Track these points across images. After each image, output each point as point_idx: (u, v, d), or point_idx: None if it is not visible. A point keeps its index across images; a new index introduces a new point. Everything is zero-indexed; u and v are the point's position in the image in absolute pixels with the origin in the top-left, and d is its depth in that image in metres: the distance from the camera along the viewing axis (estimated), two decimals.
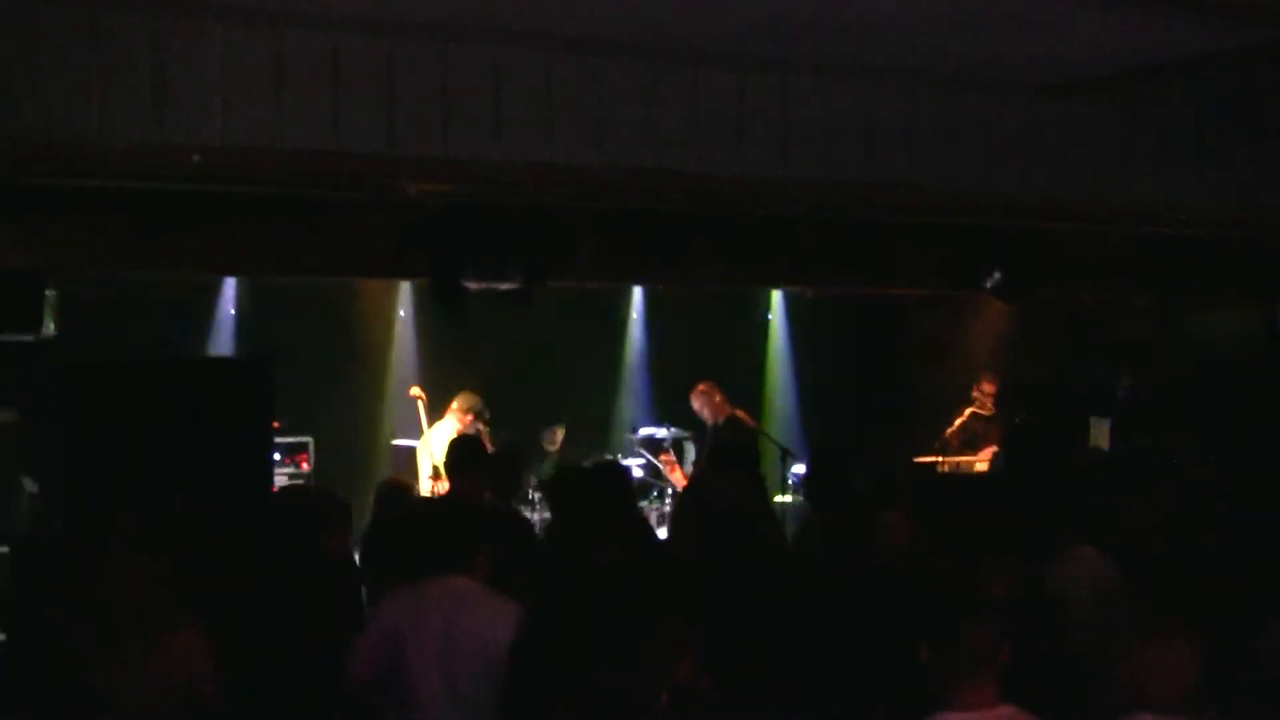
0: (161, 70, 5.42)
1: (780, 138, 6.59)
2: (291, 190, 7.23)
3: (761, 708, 4.57)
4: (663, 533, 8.44)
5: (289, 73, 5.62)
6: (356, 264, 9.25)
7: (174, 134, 5.48)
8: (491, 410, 10.28)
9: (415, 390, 10.44)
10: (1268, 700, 4.40)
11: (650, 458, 10.98)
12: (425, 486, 9.69)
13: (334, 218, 8.20)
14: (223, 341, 10.88)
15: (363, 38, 5.73)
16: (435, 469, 9.52)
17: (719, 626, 4.64)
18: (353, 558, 6.19)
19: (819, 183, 6.85)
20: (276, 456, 9.85)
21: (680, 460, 10.87)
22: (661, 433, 11.29)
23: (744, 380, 11.08)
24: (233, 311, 10.95)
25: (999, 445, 10.81)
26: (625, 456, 10.92)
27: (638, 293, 12.47)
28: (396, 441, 10.84)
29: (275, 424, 9.62)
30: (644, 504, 9.99)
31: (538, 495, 9.95)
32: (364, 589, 6.07)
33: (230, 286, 10.90)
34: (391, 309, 11.61)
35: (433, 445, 9.80)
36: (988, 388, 11.46)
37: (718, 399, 10.11)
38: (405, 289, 11.47)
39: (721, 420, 10.04)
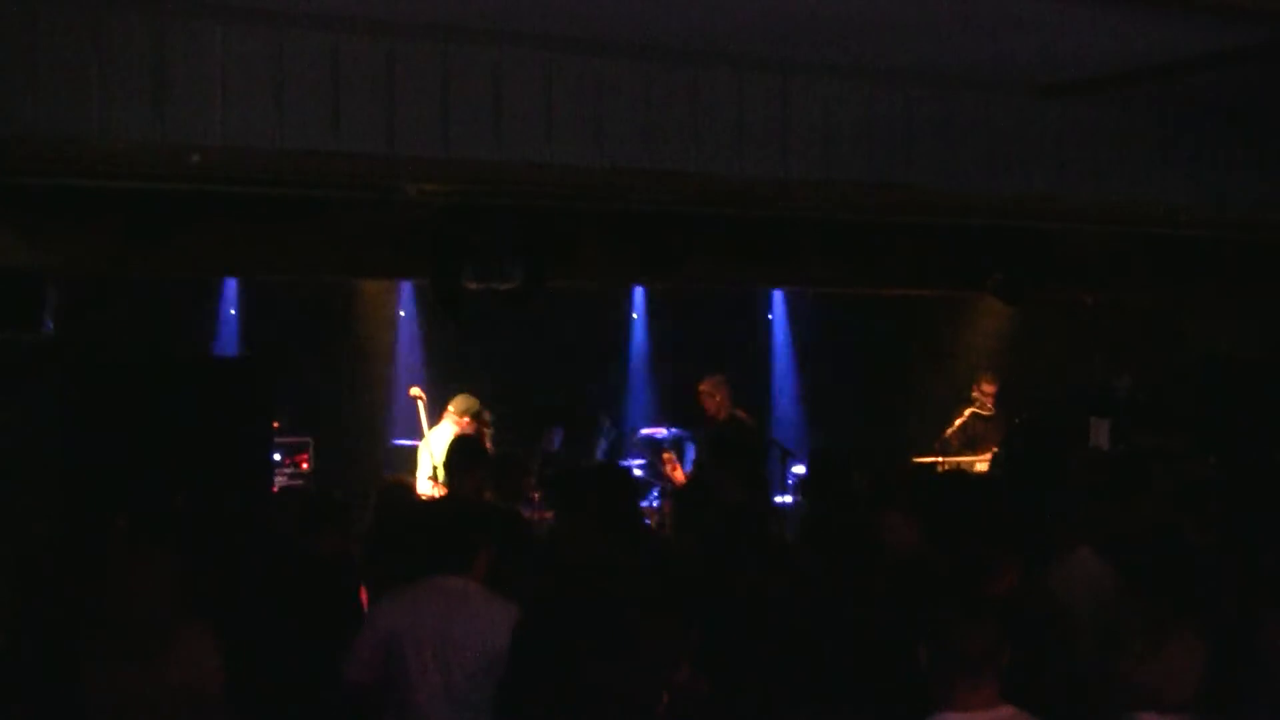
0: (161, 70, 5.41)
1: (780, 138, 6.59)
2: (291, 190, 7.22)
3: (761, 708, 4.57)
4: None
5: (289, 73, 5.62)
6: (356, 264, 9.25)
7: (174, 134, 5.48)
8: (491, 411, 10.28)
9: (415, 390, 10.45)
10: (1268, 700, 4.40)
11: (650, 458, 10.98)
12: (425, 488, 9.69)
13: (334, 218, 8.20)
14: (223, 341, 10.89)
15: (363, 38, 5.72)
16: (435, 470, 9.52)
17: (718, 626, 4.65)
18: (351, 558, 6.19)
19: (819, 183, 6.84)
20: (276, 456, 9.86)
21: (680, 460, 10.88)
22: (661, 432, 11.30)
23: (744, 380, 11.07)
24: (233, 311, 10.96)
25: (999, 445, 10.81)
26: (625, 456, 10.93)
27: (638, 293, 12.48)
28: (396, 441, 10.84)
29: (275, 424, 9.64)
30: (644, 504, 9.99)
31: (538, 495, 9.96)
32: (364, 589, 6.08)
33: (230, 286, 10.91)
34: (391, 309, 11.62)
35: (432, 448, 9.81)
36: (988, 388, 11.46)
37: (721, 396, 10.10)
38: (405, 289, 11.48)
39: (723, 418, 10.04)
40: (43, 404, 8.48)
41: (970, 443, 11.25)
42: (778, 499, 10.13)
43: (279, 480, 9.78)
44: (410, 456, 10.25)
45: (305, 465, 10.47)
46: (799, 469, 10.46)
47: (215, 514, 6.99)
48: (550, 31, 5.88)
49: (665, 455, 10.71)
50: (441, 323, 10.91)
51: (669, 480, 10.38)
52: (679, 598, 4.75)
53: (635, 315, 12.59)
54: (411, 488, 8.47)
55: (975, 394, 11.49)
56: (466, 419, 9.99)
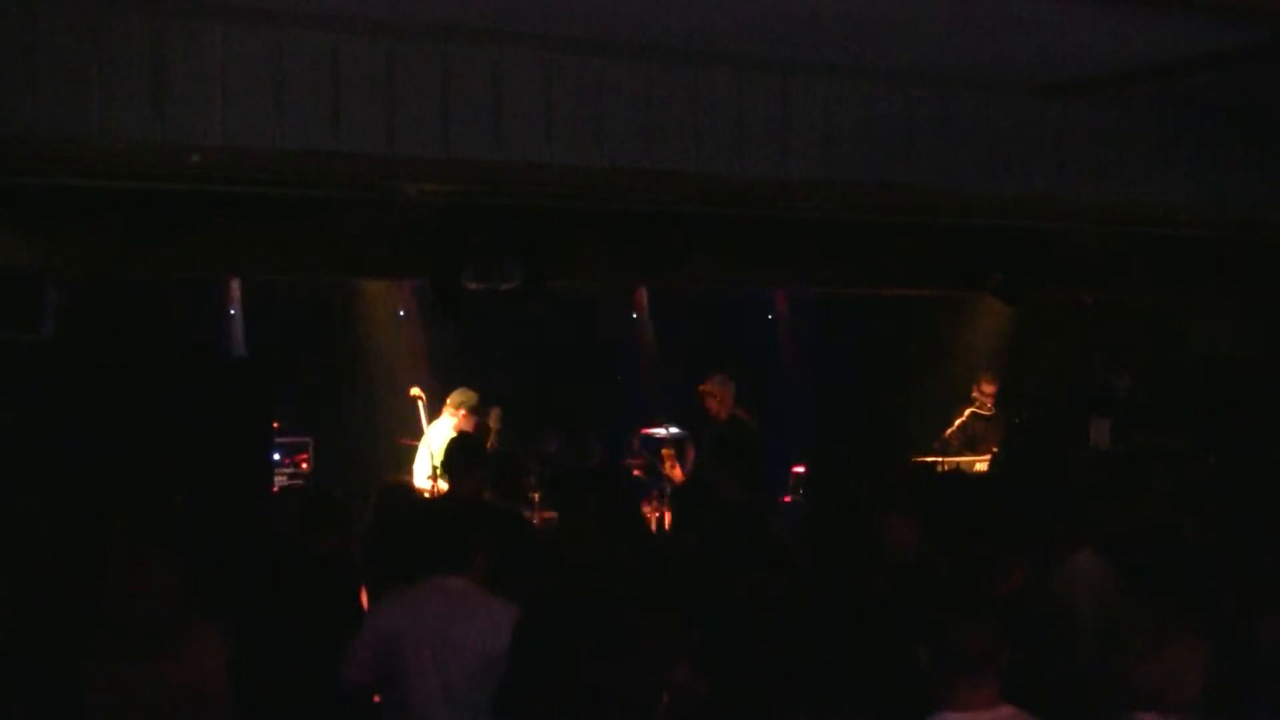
0: (161, 70, 5.41)
1: (780, 138, 6.59)
2: (291, 190, 7.22)
3: (761, 708, 4.57)
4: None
5: (289, 73, 5.62)
6: (356, 264, 9.25)
7: (174, 134, 5.48)
8: (482, 415, 10.29)
9: (415, 390, 10.44)
10: (1268, 700, 4.40)
11: (651, 457, 10.98)
12: (422, 483, 9.69)
13: (334, 218, 8.19)
14: (223, 342, 10.89)
15: (363, 38, 5.72)
16: (434, 468, 9.53)
17: (718, 626, 4.65)
18: (351, 558, 6.19)
19: (819, 183, 6.85)
20: (276, 456, 9.86)
21: (680, 460, 10.88)
22: (661, 432, 11.30)
23: (745, 380, 11.07)
24: (234, 311, 10.96)
25: (999, 445, 10.81)
26: (626, 456, 10.92)
27: (640, 292, 12.48)
28: (399, 441, 10.84)
29: (275, 424, 9.64)
30: (644, 504, 9.98)
31: (538, 495, 9.96)
32: (364, 590, 6.08)
33: (231, 286, 10.91)
34: (391, 309, 11.61)
35: (431, 443, 9.82)
36: (988, 388, 11.46)
37: (723, 396, 10.10)
38: (406, 289, 11.47)
39: (724, 418, 10.04)
40: (43, 404, 8.48)
41: (970, 443, 11.25)
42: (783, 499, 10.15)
43: (279, 480, 9.77)
44: (411, 456, 10.25)
45: (305, 465, 10.47)
46: (799, 469, 10.45)
47: (215, 514, 6.99)
48: (550, 31, 5.89)
49: (664, 452, 10.72)
50: (442, 323, 10.91)
51: (669, 479, 10.38)
52: (679, 598, 4.75)
53: (637, 315, 12.59)
54: (411, 488, 8.48)
55: (975, 394, 11.49)
56: (464, 412, 10.00)
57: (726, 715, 4.42)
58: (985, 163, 7.13)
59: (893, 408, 12.91)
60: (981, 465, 10.83)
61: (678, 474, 10.36)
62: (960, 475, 9.62)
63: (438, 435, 9.87)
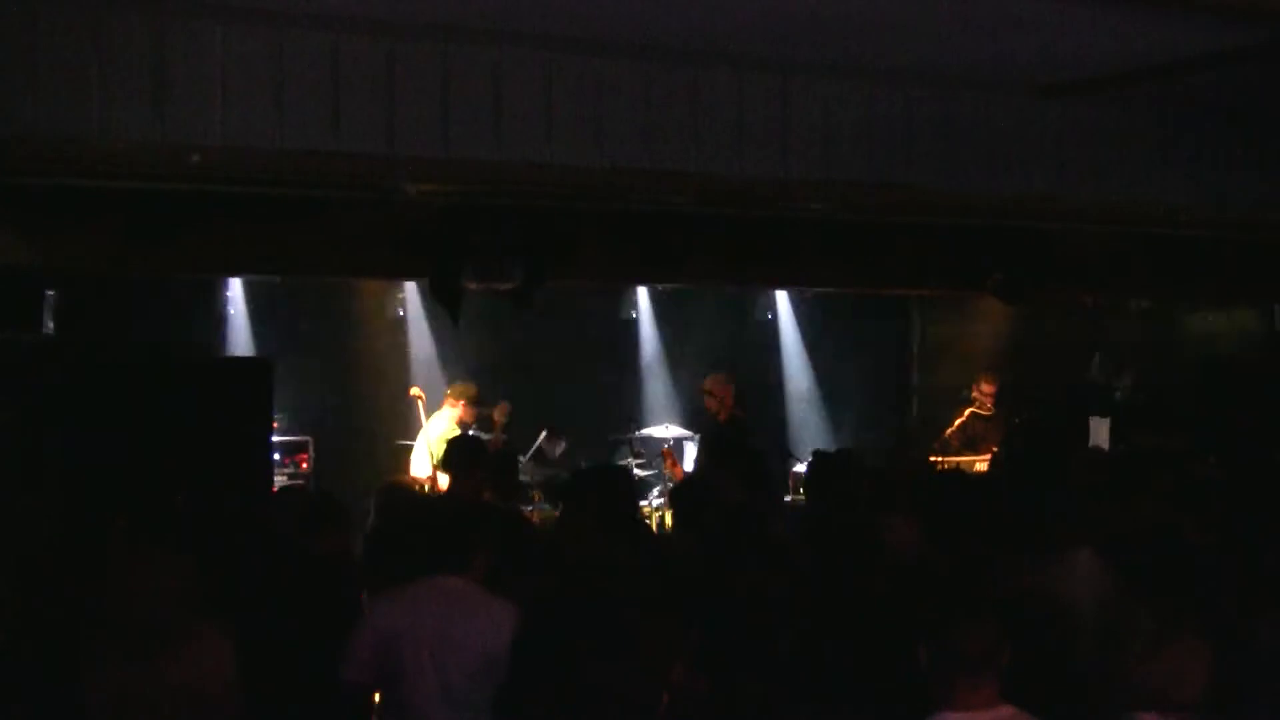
0: (161, 70, 5.41)
1: (780, 138, 6.59)
2: (291, 190, 7.23)
3: (761, 708, 4.57)
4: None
5: (289, 73, 5.62)
6: (356, 264, 9.25)
7: (174, 134, 5.48)
8: (487, 409, 10.29)
9: (415, 390, 10.46)
10: (1268, 700, 4.40)
11: (651, 458, 10.99)
12: (419, 473, 9.70)
13: (334, 218, 8.20)
14: (223, 341, 10.89)
15: (363, 38, 5.72)
16: (432, 458, 9.54)
17: (718, 626, 4.65)
18: (351, 558, 6.19)
19: (819, 183, 6.85)
20: (276, 456, 9.86)
21: (680, 460, 10.88)
22: (662, 432, 11.30)
23: (746, 380, 11.08)
24: (234, 311, 10.96)
25: (999, 445, 10.81)
26: (626, 457, 10.93)
27: (641, 292, 12.48)
28: (399, 442, 10.85)
29: (275, 424, 9.64)
30: (644, 504, 9.99)
31: (538, 495, 9.97)
32: (365, 590, 6.07)
33: (231, 286, 10.91)
34: (391, 309, 11.62)
35: (430, 434, 9.83)
36: (987, 388, 11.46)
37: (724, 395, 10.10)
38: (406, 289, 11.48)
39: (724, 418, 10.04)
40: (43, 404, 8.48)
41: (970, 443, 11.25)
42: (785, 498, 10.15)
43: (279, 480, 9.78)
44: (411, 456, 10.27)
45: (305, 465, 10.47)
46: (799, 469, 10.45)
47: (215, 514, 6.98)
48: (550, 31, 5.88)
49: (664, 451, 10.73)
50: (441, 323, 10.91)
51: (668, 480, 10.39)
52: (679, 598, 4.75)
53: (637, 315, 12.59)
54: (411, 488, 8.48)
55: (975, 394, 11.49)
56: (464, 403, 10.01)
57: (726, 715, 4.41)
58: (985, 163, 7.13)
59: (893, 408, 12.92)
60: (981, 465, 10.83)
61: (678, 474, 10.36)
62: (960, 475, 9.61)
63: (436, 427, 9.89)
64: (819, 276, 10.68)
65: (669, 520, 8.46)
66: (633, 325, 12.61)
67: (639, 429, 11.45)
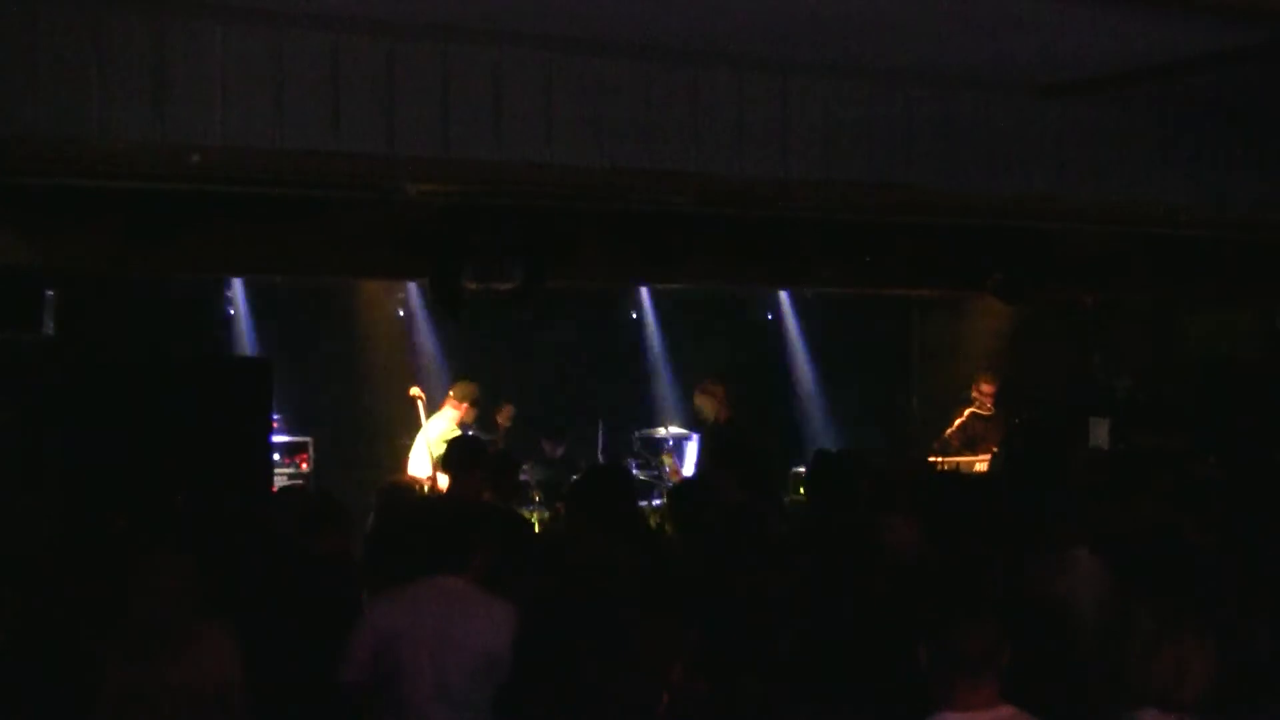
0: (161, 70, 5.41)
1: (780, 138, 6.59)
2: (291, 190, 7.23)
3: (761, 708, 4.57)
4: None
5: (289, 73, 5.62)
6: (356, 264, 9.26)
7: (174, 134, 5.48)
8: (490, 410, 10.29)
9: (415, 390, 10.46)
10: (1268, 700, 4.40)
11: (651, 458, 10.99)
12: (418, 473, 9.70)
13: (334, 218, 8.20)
14: (223, 341, 10.90)
15: (363, 38, 5.72)
16: (431, 455, 9.54)
17: (718, 626, 4.65)
18: (351, 558, 6.20)
19: (819, 183, 6.84)
20: (276, 456, 9.87)
21: (680, 460, 10.89)
22: (662, 433, 11.31)
23: (746, 380, 11.09)
24: (234, 311, 10.97)
25: (999, 445, 10.81)
26: (626, 457, 10.93)
27: (641, 292, 12.49)
28: (400, 442, 10.86)
29: (275, 424, 9.65)
30: (644, 504, 9.99)
31: (538, 496, 9.97)
32: (365, 590, 6.07)
33: (232, 286, 10.92)
34: (391, 309, 11.63)
35: (430, 434, 9.83)
36: (987, 388, 11.45)
37: (719, 398, 10.11)
38: (407, 289, 11.49)
39: (721, 420, 10.04)
40: (43, 404, 8.48)
41: (970, 443, 11.25)
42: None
43: (279, 480, 9.79)
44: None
45: (305, 465, 10.48)
46: (799, 469, 10.46)
47: (215, 514, 6.99)
48: (550, 31, 5.88)
49: (665, 455, 10.73)
50: (441, 323, 10.91)
51: (669, 480, 10.39)
52: (679, 598, 4.75)
53: (637, 315, 12.60)
54: (411, 488, 8.48)
55: (975, 394, 11.48)
56: (465, 404, 10.02)
57: (726, 715, 4.41)
58: (985, 163, 7.12)
59: (893, 408, 12.92)
60: (981, 465, 10.84)
61: (678, 474, 10.37)
62: (960, 475, 9.62)
63: (437, 427, 9.89)
64: (819, 276, 10.68)
65: (669, 521, 8.47)
66: (635, 326, 12.62)
67: (639, 429, 11.45)
